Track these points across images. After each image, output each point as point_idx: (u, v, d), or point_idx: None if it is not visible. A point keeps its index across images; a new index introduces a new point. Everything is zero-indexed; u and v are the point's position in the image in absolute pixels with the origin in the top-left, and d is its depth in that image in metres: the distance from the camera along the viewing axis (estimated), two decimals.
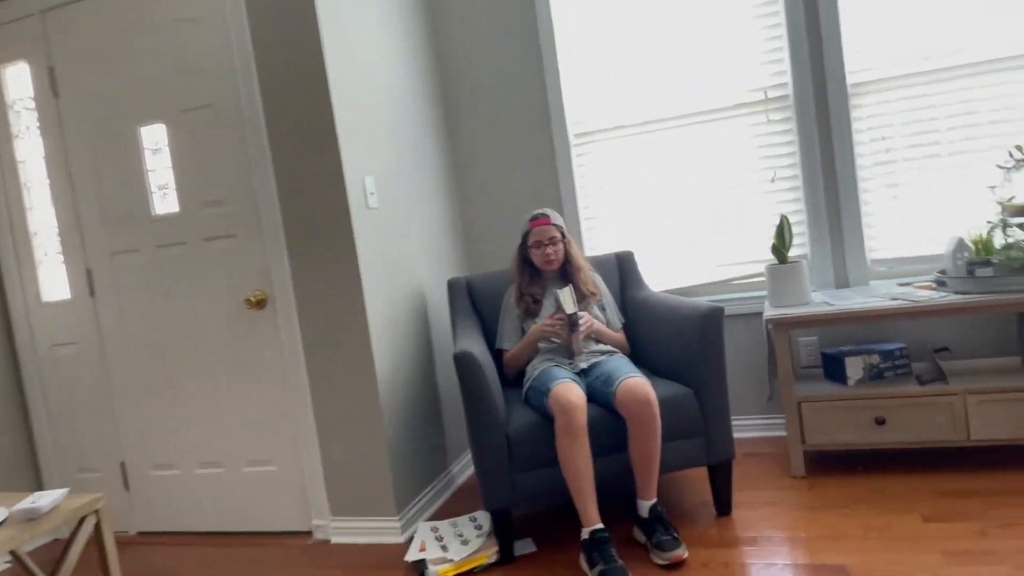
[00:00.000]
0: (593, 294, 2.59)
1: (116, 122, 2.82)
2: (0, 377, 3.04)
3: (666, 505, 2.51)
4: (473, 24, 3.34)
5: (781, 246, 2.70)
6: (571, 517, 2.18)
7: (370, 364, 2.56)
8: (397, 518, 2.59)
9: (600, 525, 2.12)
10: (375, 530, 2.62)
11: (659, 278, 3.20)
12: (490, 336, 2.75)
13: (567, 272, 2.63)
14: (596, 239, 3.31)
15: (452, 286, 2.91)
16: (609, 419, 2.24)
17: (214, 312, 2.77)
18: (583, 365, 2.43)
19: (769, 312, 2.61)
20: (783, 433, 3.02)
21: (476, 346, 2.39)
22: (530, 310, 2.59)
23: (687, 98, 3.10)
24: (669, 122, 3.14)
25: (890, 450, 2.69)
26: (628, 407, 2.15)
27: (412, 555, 2.37)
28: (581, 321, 2.38)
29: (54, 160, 2.94)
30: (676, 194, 3.18)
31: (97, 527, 1.93)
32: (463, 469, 3.16)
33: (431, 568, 2.25)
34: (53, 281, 3.06)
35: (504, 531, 2.29)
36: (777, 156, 3.03)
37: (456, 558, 2.28)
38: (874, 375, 2.63)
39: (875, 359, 2.63)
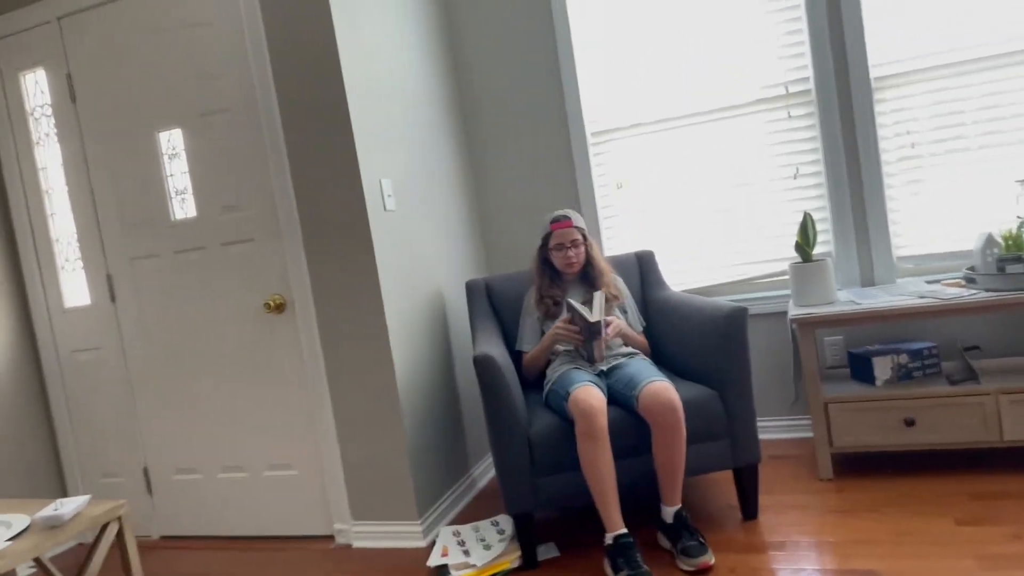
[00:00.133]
0: (616, 297, 2.56)
1: (134, 127, 2.82)
2: (24, 384, 3.07)
3: (691, 509, 2.47)
4: (489, 24, 3.31)
5: (805, 244, 2.66)
6: (595, 521, 2.16)
7: (389, 367, 2.54)
8: (419, 522, 2.57)
9: (624, 530, 2.09)
10: (397, 534, 2.60)
11: (680, 277, 3.16)
12: (509, 338, 2.73)
13: (588, 274, 2.60)
14: (615, 238, 3.28)
15: (471, 288, 2.89)
16: (630, 421, 2.20)
17: (233, 316, 2.77)
18: (603, 367, 2.40)
19: (794, 311, 2.57)
20: (809, 434, 2.97)
21: (496, 348, 2.36)
22: (550, 312, 2.56)
23: (706, 95, 3.06)
24: (688, 119, 3.10)
25: (920, 452, 2.64)
26: (652, 412, 2.12)
27: (434, 560, 2.35)
28: (608, 329, 2.35)
29: (73, 166, 2.96)
30: (696, 192, 3.13)
31: (119, 533, 1.93)
32: (484, 472, 3.14)
33: (454, 573, 2.23)
34: (74, 287, 3.07)
35: (527, 536, 2.27)
36: (799, 152, 2.98)
37: (479, 563, 2.26)
38: (903, 375, 2.57)
39: (903, 358, 2.57)
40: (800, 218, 2.81)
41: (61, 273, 3.08)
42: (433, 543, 2.52)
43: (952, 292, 2.43)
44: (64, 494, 3.16)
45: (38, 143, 3.03)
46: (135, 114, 2.81)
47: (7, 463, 2.95)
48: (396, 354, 2.56)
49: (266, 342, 2.74)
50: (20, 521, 1.85)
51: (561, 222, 2.57)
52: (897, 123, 2.84)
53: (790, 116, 2.97)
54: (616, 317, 2.50)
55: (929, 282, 2.72)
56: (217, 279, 2.78)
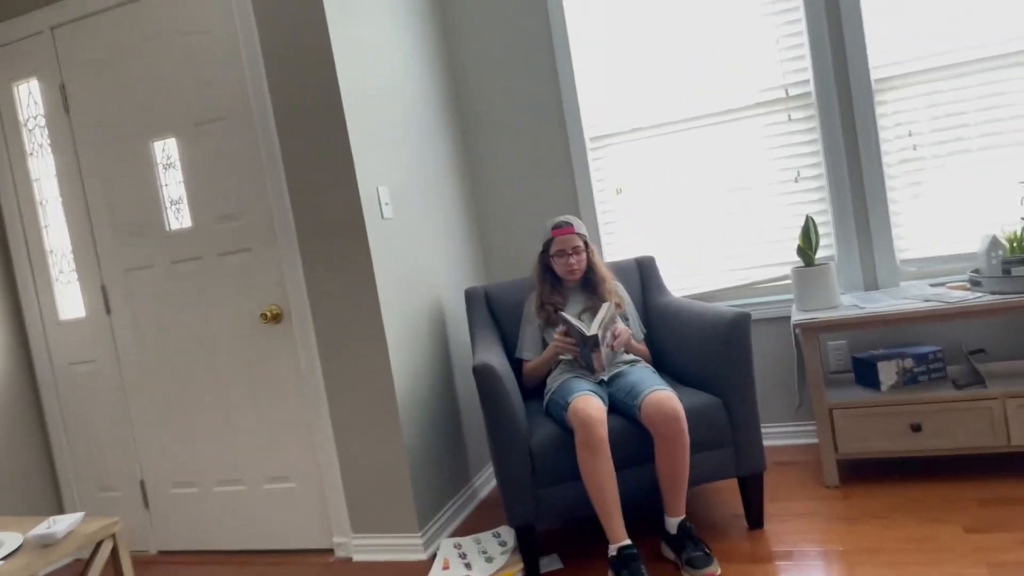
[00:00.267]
0: (618, 305, 2.53)
1: (128, 137, 2.80)
2: (19, 397, 3.03)
3: (695, 518, 2.43)
4: (486, 28, 3.29)
5: (807, 248, 2.63)
6: (598, 532, 2.12)
7: (388, 377, 2.51)
8: (419, 534, 2.54)
9: (627, 541, 2.06)
10: (397, 547, 2.56)
11: (681, 283, 3.13)
12: (509, 346, 2.70)
13: (590, 281, 2.57)
14: (615, 244, 3.25)
15: (470, 296, 2.86)
16: (632, 430, 2.17)
17: (230, 327, 2.74)
18: (604, 378, 2.36)
19: (797, 316, 2.53)
20: (814, 440, 2.94)
21: (496, 357, 2.33)
22: (551, 319, 2.53)
23: (705, 98, 3.03)
24: (687, 123, 3.08)
25: (927, 457, 2.60)
26: (655, 422, 2.08)
27: (435, 573, 2.32)
28: (616, 342, 2.32)
29: (67, 177, 2.93)
30: (696, 197, 3.11)
31: (114, 551, 1.90)
32: (485, 482, 3.10)
33: None
34: (69, 299, 3.04)
35: (529, 547, 2.23)
36: (800, 155, 2.95)
37: None
38: (908, 380, 2.54)
39: (908, 363, 2.54)
40: (802, 222, 2.78)
41: (56, 285, 3.05)
42: (434, 556, 2.49)
43: (957, 295, 2.40)
44: (60, 508, 3.12)
45: (31, 154, 3.01)
46: (129, 124, 2.78)
47: (2, 477, 2.91)
48: (395, 363, 2.53)
49: (263, 353, 2.70)
50: (13, 540, 1.82)
51: (563, 228, 2.54)
52: (898, 124, 2.82)
53: (790, 119, 2.94)
54: (625, 327, 2.47)
55: (933, 285, 2.69)
56: (213, 289, 2.75)
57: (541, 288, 2.60)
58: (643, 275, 2.88)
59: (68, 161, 2.91)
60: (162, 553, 3.00)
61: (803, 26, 2.86)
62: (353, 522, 2.64)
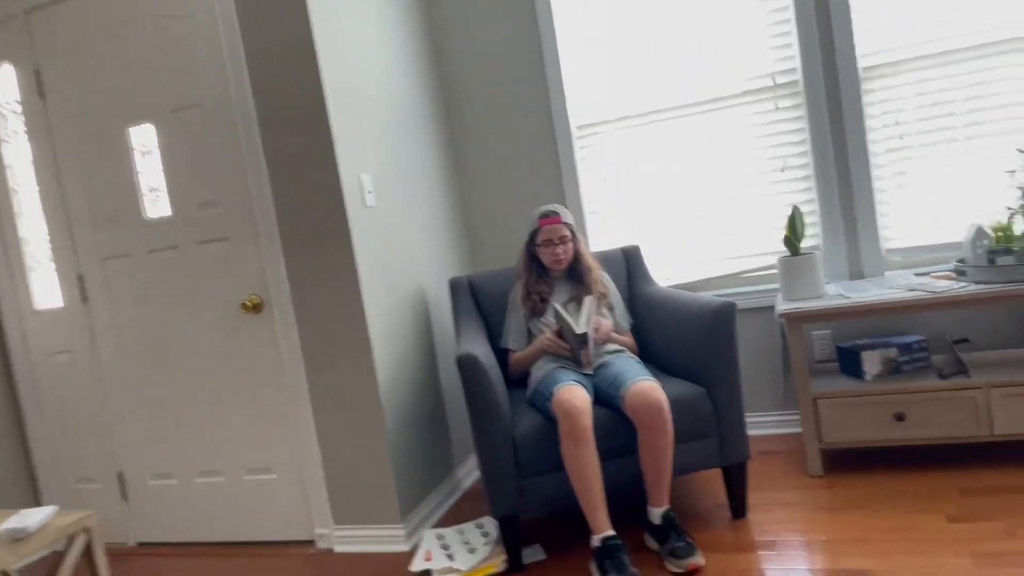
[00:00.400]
0: (603, 295, 2.50)
1: (105, 124, 2.74)
2: None
3: (679, 508, 2.42)
4: (471, 15, 3.25)
5: (793, 237, 2.62)
6: (582, 523, 2.11)
7: (370, 367, 2.48)
8: (401, 525, 2.51)
9: (611, 532, 2.04)
10: (379, 538, 2.54)
11: (666, 272, 3.11)
12: (494, 336, 2.67)
13: (576, 271, 2.54)
14: (601, 233, 3.22)
15: (454, 285, 2.83)
16: (617, 420, 2.15)
17: (210, 317, 2.69)
18: (589, 371, 2.34)
19: (782, 306, 2.52)
20: (798, 430, 2.94)
21: (480, 348, 2.31)
22: (537, 309, 2.51)
23: (692, 86, 3.01)
24: (674, 112, 3.05)
25: (911, 447, 2.60)
26: (638, 413, 2.07)
27: (418, 564, 2.30)
28: (596, 336, 2.31)
29: (42, 164, 2.87)
30: (682, 186, 3.08)
31: (88, 545, 1.86)
32: (469, 473, 3.08)
33: None
34: (45, 288, 2.98)
35: (512, 539, 2.21)
36: (787, 144, 2.93)
37: (463, 568, 2.20)
38: (892, 369, 2.54)
39: (893, 352, 2.54)
40: (788, 211, 2.76)
41: (31, 274, 2.99)
42: (416, 547, 2.47)
43: (942, 285, 2.39)
44: (37, 500, 3.08)
45: (6, 140, 2.94)
46: (106, 110, 2.72)
47: None
48: (377, 353, 2.50)
49: (243, 343, 2.66)
50: None
51: (550, 217, 2.51)
52: (885, 113, 2.81)
53: (777, 108, 2.92)
54: (605, 318, 2.45)
55: (918, 275, 2.69)
56: (192, 278, 2.70)
57: (527, 277, 2.57)
58: (629, 264, 2.86)
59: (43, 147, 2.85)
60: (141, 545, 2.96)
61: (791, 14, 2.84)
62: (335, 513, 2.61)
